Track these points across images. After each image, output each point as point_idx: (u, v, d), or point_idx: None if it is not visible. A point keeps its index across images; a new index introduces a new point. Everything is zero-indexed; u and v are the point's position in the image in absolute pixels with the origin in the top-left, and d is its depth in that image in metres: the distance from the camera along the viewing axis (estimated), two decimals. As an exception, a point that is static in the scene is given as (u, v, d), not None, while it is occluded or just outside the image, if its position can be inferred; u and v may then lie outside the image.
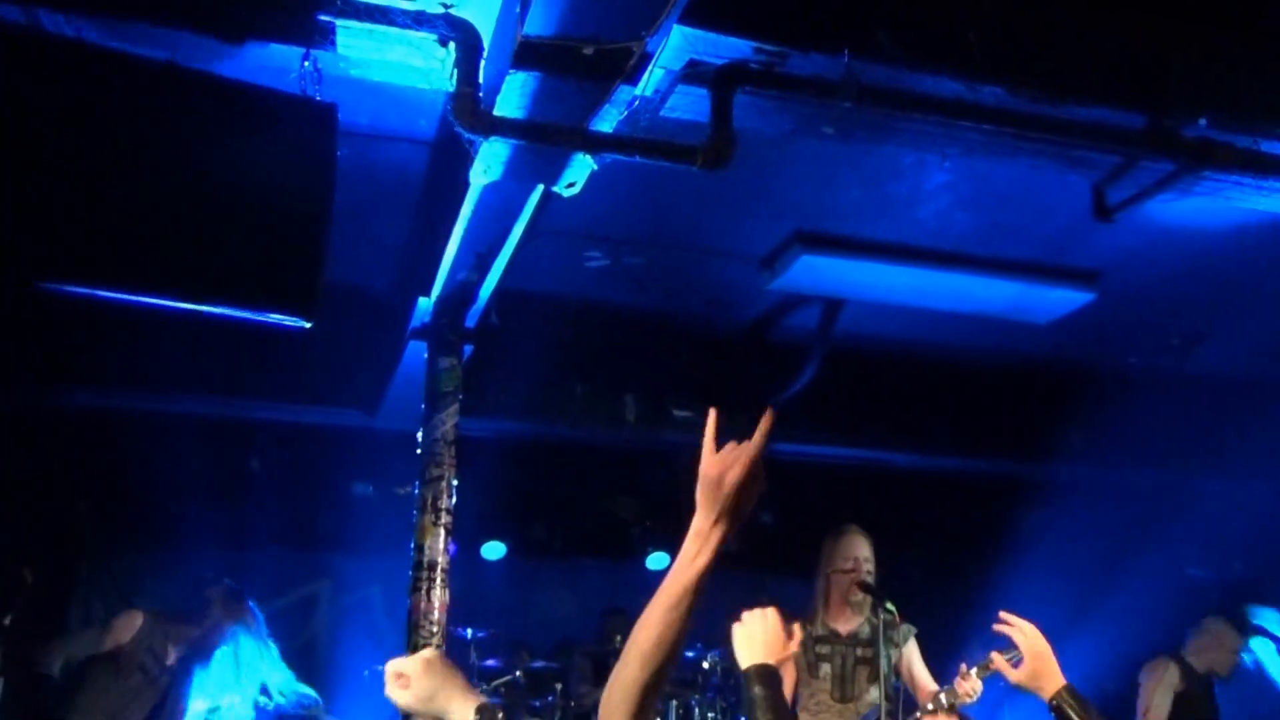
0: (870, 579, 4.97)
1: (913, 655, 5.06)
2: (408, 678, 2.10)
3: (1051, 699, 2.66)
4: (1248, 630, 6.18)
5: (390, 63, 3.29)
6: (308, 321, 3.17)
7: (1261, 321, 6.25)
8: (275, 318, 3.17)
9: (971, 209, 4.90)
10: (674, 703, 7.64)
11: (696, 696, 7.71)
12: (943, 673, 4.92)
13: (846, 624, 5.02)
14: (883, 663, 4.69)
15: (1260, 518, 8.04)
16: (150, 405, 6.29)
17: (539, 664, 8.06)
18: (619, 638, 7.93)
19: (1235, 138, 3.52)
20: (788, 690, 4.97)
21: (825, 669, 4.95)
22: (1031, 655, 2.74)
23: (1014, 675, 2.77)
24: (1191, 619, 6.38)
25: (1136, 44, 3.42)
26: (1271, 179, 3.69)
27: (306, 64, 3.27)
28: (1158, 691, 5.89)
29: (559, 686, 7.83)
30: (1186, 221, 4.90)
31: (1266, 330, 6.37)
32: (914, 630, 5.10)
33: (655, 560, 8.63)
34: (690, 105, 3.31)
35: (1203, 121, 3.35)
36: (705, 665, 7.83)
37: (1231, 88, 3.51)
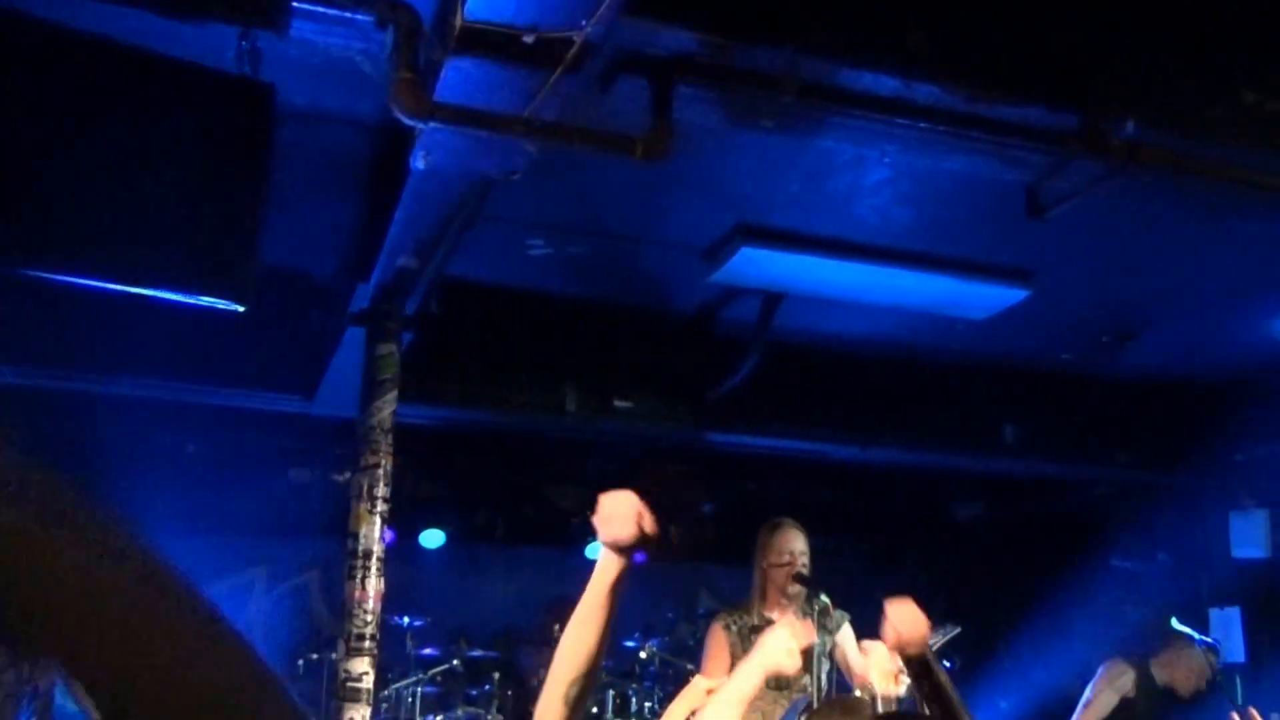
0: (806, 569, 5.03)
1: (847, 642, 5.13)
2: None
3: (916, 657, 2.73)
4: (1214, 658, 6.18)
5: (330, 44, 3.26)
6: (242, 305, 3.14)
7: (1190, 320, 6.40)
8: (209, 301, 3.14)
9: (910, 205, 4.96)
10: (611, 692, 7.67)
11: (634, 686, 7.75)
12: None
13: (782, 614, 5.08)
14: (815, 651, 4.76)
15: (1185, 509, 8.26)
16: (82, 386, 6.18)
17: (477, 652, 8.05)
18: (558, 627, 7.95)
19: (1163, 140, 3.61)
20: (724, 679, 5.01)
21: (760, 657, 5.00)
22: (912, 623, 2.79)
23: (891, 639, 2.81)
24: (1122, 613, 6.49)
25: (1069, 47, 3.49)
26: (1198, 180, 3.80)
27: (244, 43, 3.23)
28: (1106, 691, 5.93)
29: (497, 675, 7.83)
30: (1117, 220, 5.00)
31: (1194, 328, 6.52)
32: (847, 616, 5.17)
33: (595, 550, 8.60)
34: (631, 95, 3.32)
35: (1131, 124, 3.42)
36: (643, 655, 7.87)
37: (1160, 91, 3.60)
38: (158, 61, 2.97)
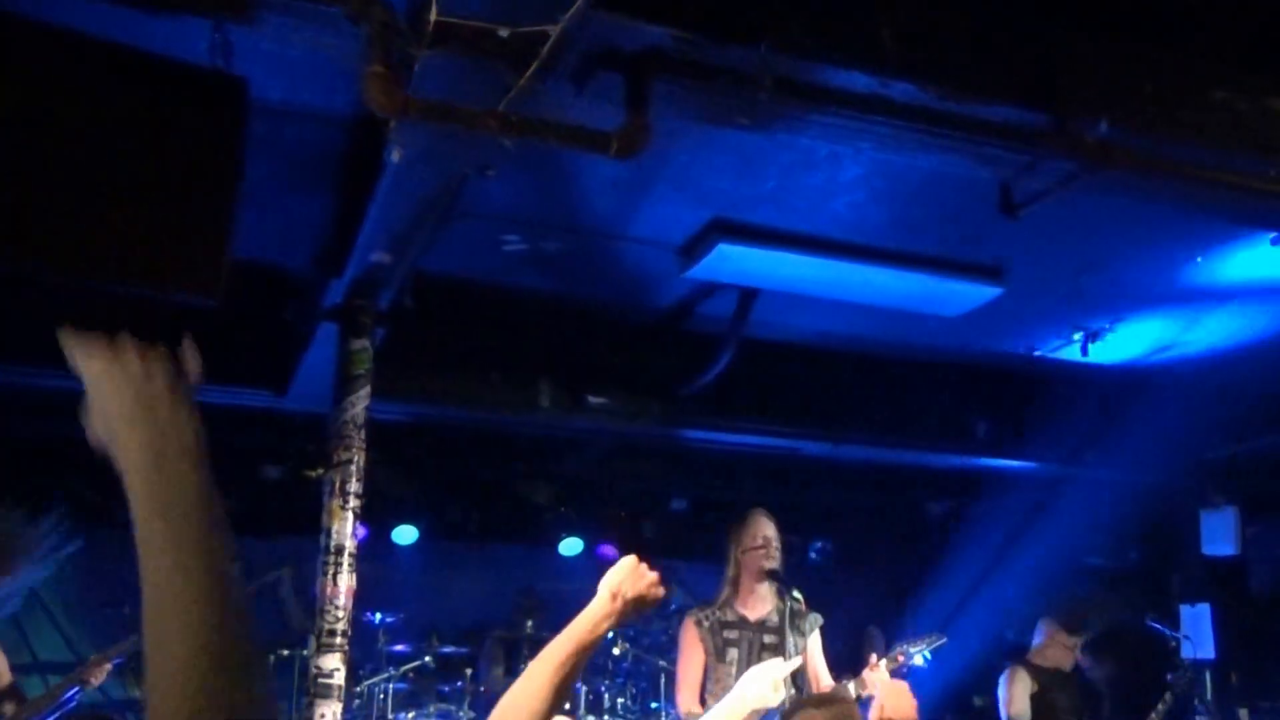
0: (778, 559, 5.08)
1: (814, 647, 5.16)
2: None
3: None
4: (1080, 628, 6.45)
5: (304, 37, 3.23)
6: (213, 302, 3.10)
7: (1160, 318, 6.46)
8: (179, 297, 3.10)
9: (885, 203, 4.98)
10: (584, 689, 7.67)
11: (607, 682, 7.75)
12: (851, 659, 5.03)
13: (755, 610, 5.11)
14: (789, 649, 4.79)
15: (1155, 507, 8.34)
16: (47, 381, 6.10)
17: (449, 649, 8.03)
18: (530, 623, 7.93)
19: (1136, 139, 3.63)
20: (698, 673, 5.05)
21: (732, 654, 5.03)
22: (899, 701, 2.74)
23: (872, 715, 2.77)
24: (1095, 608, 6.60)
25: (1043, 46, 3.51)
26: (1170, 179, 3.83)
27: (217, 36, 3.20)
28: (1015, 699, 6.10)
29: (469, 672, 7.82)
30: (1090, 218, 5.04)
31: (1165, 326, 6.58)
32: (820, 620, 5.19)
33: (568, 546, 8.64)
34: (606, 91, 3.30)
35: (1104, 123, 3.44)
36: (616, 651, 7.87)
37: (1133, 91, 3.62)
38: (126, 53, 2.93)
